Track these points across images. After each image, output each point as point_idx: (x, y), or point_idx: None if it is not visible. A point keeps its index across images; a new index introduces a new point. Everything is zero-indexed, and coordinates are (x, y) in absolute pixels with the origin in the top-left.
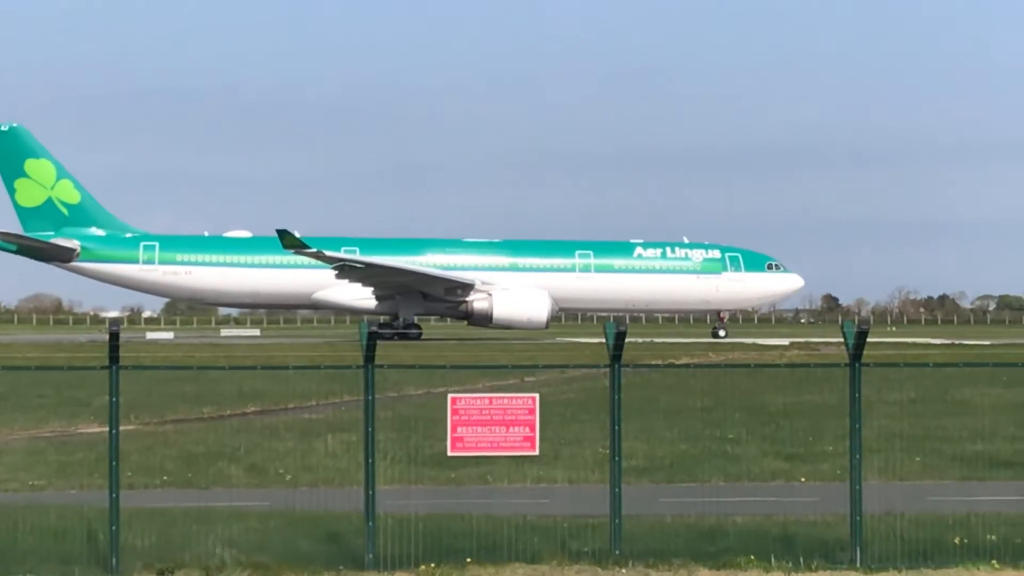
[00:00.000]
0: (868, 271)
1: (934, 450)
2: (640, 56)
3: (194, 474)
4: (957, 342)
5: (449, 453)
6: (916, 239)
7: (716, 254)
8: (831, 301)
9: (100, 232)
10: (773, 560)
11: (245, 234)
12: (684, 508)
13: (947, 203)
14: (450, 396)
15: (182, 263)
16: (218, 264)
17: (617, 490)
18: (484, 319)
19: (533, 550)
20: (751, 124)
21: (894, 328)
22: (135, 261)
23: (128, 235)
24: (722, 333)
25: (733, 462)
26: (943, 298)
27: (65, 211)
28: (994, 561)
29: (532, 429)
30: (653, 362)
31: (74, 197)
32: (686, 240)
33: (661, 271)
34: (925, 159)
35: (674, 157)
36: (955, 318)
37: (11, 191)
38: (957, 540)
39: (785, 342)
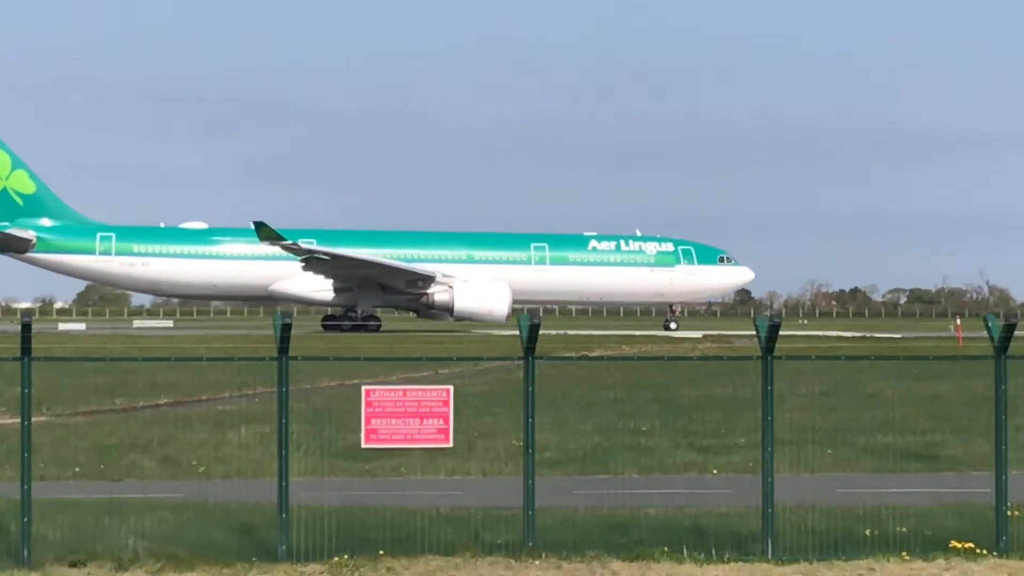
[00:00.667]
0: (780, 264)
1: (845, 442)
2: (589, 51)
3: (106, 466)
4: (868, 335)
5: (363, 445)
6: (828, 233)
7: (669, 247)
8: (744, 294)
9: (56, 223)
10: (685, 552)
11: (201, 225)
12: (597, 500)
13: (859, 197)
14: (364, 388)
15: (139, 254)
16: (175, 255)
17: (530, 482)
18: (445, 311)
19: (447, 542)
20: (671, 118)
21: (806, 321)
22: (92, 252)
23: (84, 226)
24: (673, 326)
25: (646, 454)
26: (855, 291)
27: (20, 201)
28: (904, 553)
29: (446, 421)
30: (567, 354)
31: (29, 187)
32: (639, 233)
33: (616, 264)
34: (838, 153)
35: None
36: (866, 311)
37: None
38: (868, 532)
39: (698, 335)
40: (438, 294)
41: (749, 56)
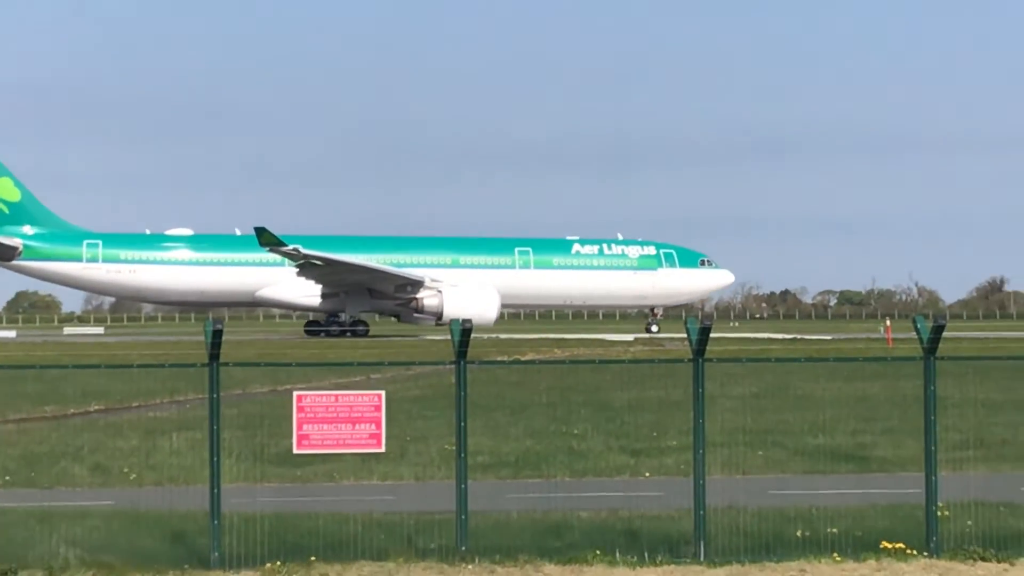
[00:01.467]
0: None
1: (776, 444)
2: (552, 52)
3: (37, 473)
4: (799, 337)
5: (295, 451)
6: (758, 235)
7: (651, 251)
8: None
9: (41, 230)
10: (618, 555)
11: (187, 232)
12: (530, 504)
13: (790, 200)
14: (296, 394)
15: (126, 261)
16: (162, 262)
17: (463, 486)
18: (434, 316)
19: (379, 547)
20: (600, 120)
21: (737, 324)
22: (79, 259)
23: (70, 233)
24: (655, 328)
25: (579, 457)
26: (785, 293)
27: (5, 209)
28: (835, 554)
29: (378, 426)
30: (499, 358)
31: (14, 195)
32: (620, 237)
33: (599, 267)
34: (768, 156)
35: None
36: (797, 313)
37: None
38: (799, 533)
39: (630, 338)
40: (427, 299)
41: (686, 62)
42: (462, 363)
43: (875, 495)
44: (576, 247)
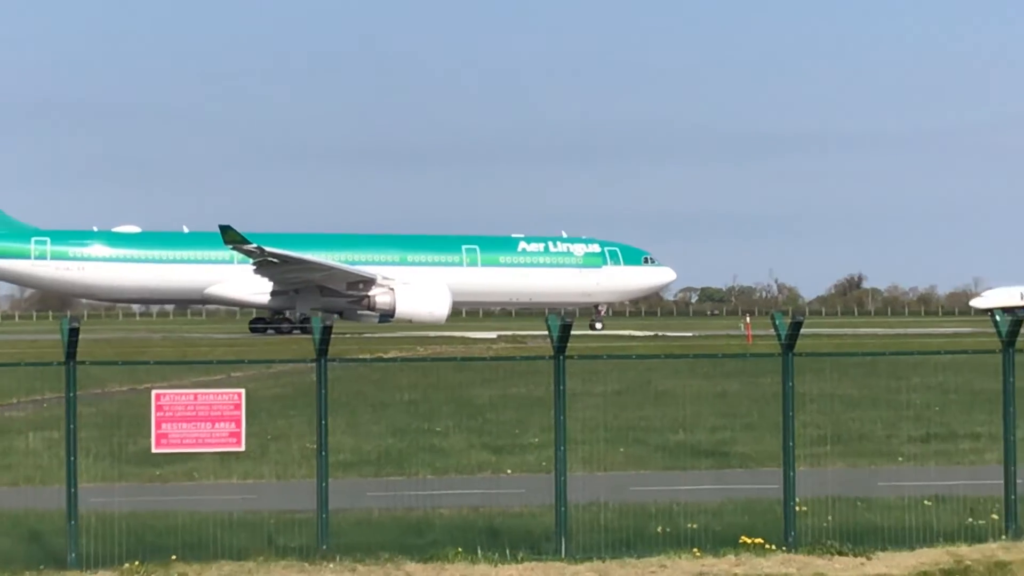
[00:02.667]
0: None
1: (638, 440)
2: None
3: None
4: (660, 334)
5: (153, 450)
6: (619, 232)
7: (596, 248)
8: None
9: None
10: (480, 552)
11: (134, 229)
12: (392, 502)
13: (650, 197)
14: (154, 392)
15: (75, 259)
16: (111, 259)
17: (324, 485)
18: (386, 313)
19: (239, 547)
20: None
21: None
22: (27, 256)
23: (17, 230)
24: (599, 326)
25: (440, 455)
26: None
27: None
28: (695, 549)
29: (238, 425)
30: (361, 356)
31: None
32: (564, 234)
33: (545, 265)
34: (631, 153)
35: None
36: (658, 310)
37: None
38: (660, 529)
39: (492, 335)
40: (379, 296)
41: (552, 62)
42: (323, 361)
43: (734, 490)
44: (522, 245)
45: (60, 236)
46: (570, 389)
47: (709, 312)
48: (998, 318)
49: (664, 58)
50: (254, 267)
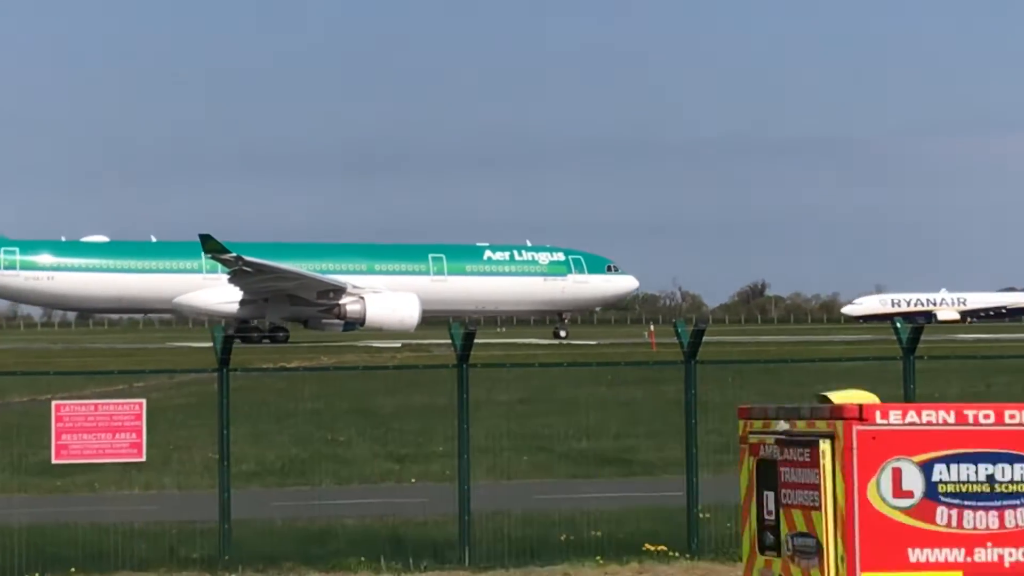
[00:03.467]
0: None
1: (542, 449)
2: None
3: None
4: (564, 342)
5: (54, 461)
6: (524, 241)
7: (560, 257)
8: None
9: None
10: (383, 561)
11: (103, 239)
12: (295, 511)
13: (554, 205)
14: (54, 403)
15: (44, 268)
16: (80, 269)
17: (226, 495)
18: (356, 322)
19: (141, 557)
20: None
21: (503, 329)
22: None
23: None
24: (563, 333)
25: (344, 464)
26: None
27: None
28: (599, 557)
29: (139, 435)
30: (263, 365)
31: None
32: (529, 243)
33: (510, 274)
34: (534, 161)
35: None
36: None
37: None
38: (564, 537)
39: (397, 344)
40: (349, 305)
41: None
42: (225, 371)
43: (638, 498)
44: (488, 253)
45: (29, 246)
46: (474, 398)
47: (612, 320)
48: (899, 325)
49: (564, 65)
50: (228, 276)
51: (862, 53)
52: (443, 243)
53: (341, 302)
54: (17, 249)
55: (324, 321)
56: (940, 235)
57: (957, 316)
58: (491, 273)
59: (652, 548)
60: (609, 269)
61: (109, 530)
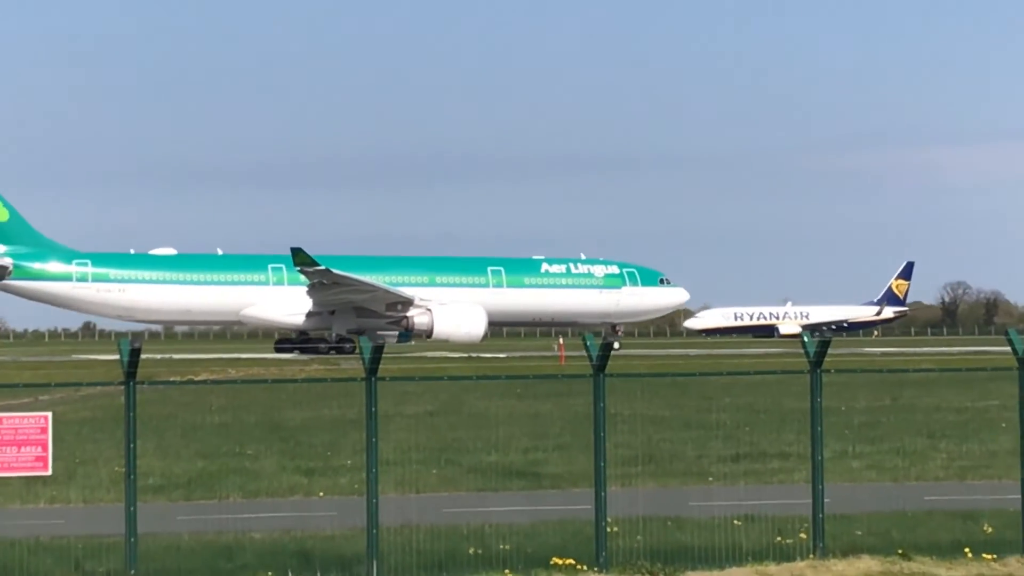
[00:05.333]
0: None
1: (450, 462)
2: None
3: None
4: (474, 355)
5: None
6: (429, 254)
7: (615, 270)
8: None
9: (30, 250)
10: (290, 575)
11: (171, 251)
12: (202, 525)
13: (433, 220)
14: None
15: (115, 280)
16: (150, 281)
17: (133, 509)
18: (423, 334)
19: (46, 572)
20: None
21: (414, 342)
22: (68, 279)
23: (59, 252)
24: (616, 345)
25: (252, 478)
26: None
27: None
28: (507, 571)
29: (44, 449)
30: (172, 378)
31: (2, 215)
32: (583, 256)
33: (567, 286)
34: (402, 177)
35: None
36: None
37: None
38: (472, 550)
39: (305, 357)
40: (417, 317)
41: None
42: (131, 384)
43: (547, 511)
44: (545, 266)
45: (101, 259)
46: (383, 411)
47: (522, 333)
48: (806, 339)
49: (448, 80)
50: (307, 288)
51: (753, 70)
52: (499, 256)
53: (409, 314)
54: (89, 261)
55: (379, 332)
56: (786, 249)
57: (799, 330)
58: (549, 286)
59: (560, 562)
60: (662, 282)
61: (14, 544)
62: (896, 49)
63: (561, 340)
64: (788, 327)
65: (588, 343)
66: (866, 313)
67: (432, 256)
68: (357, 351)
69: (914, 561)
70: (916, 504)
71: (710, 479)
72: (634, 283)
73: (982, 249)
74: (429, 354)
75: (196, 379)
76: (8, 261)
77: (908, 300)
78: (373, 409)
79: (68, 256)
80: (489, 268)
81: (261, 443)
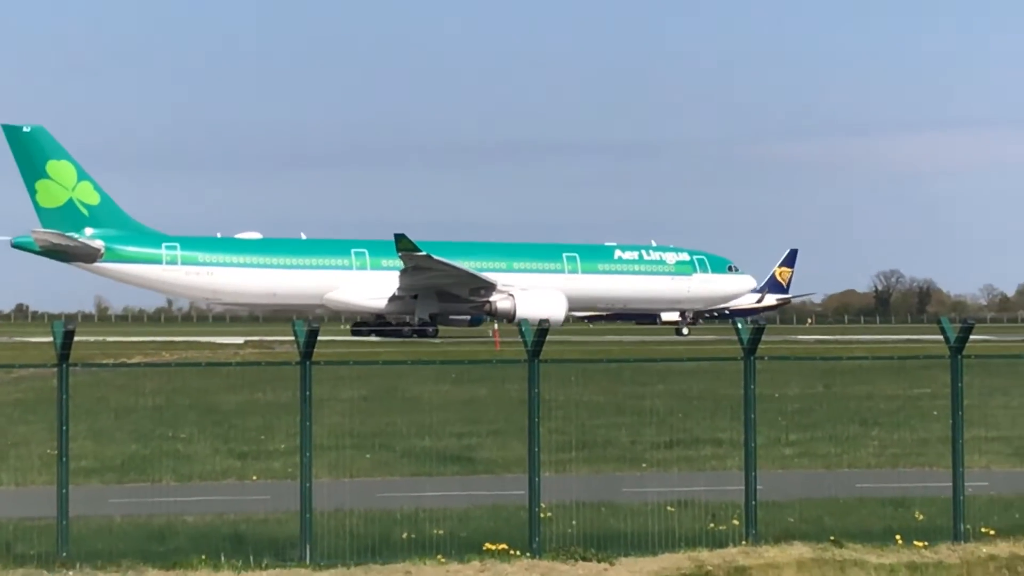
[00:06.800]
0: None
1: (384, 446)
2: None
3: None
4: (409, 340)
5: None
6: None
7: (685, 257)
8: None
9: (120, 233)
10: (223, 559)
11: (256, 235)
12: (134, 508)
13: (373, 206)
14: None
15: (204, 263)
16: (237, 265)
17: (64, 491)
18: (506, 318)
19: None
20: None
21: (348, 327)
22: (158, 262)
23: (148, 236)
24: (685, 331)
25: (185, 461)
26: None
27: (85, 212)
28: (440, 555)
29: None
30: (105, 361)
31: (94, 198)
32: (654, 243)
33: (640, 273)
34: (366, 163)
35: None
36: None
37: (32, 192)
38: (405, 535)
39: (240, 340)
40: (500, 301)
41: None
42: (64, 366)
43: (480, 497)
44: (617, 253)
45: (189, 242)
46: (317, 395)
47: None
48: (740, 326)
49: (355, 62)
50: (401, 272)
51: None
52: (573, 243)
53: (491, 299)
54: (178, 245)
55: (451, 317)
56: (708, 237)
57: (678, 316)
58: (622, 272)
59: (493, 547)
60: (730, 269)
61: None
62: (833, 36)
63: (496, 325)
64: (669, 313)
65: (523, 329)
66: (747, 301)
67: (509, 242)
68: (436, 334)
69: (846, 548)
70: (848, 491)
71: (644, 465)
72: (704, 270)
73: (916, 238)
74: (362, 339)
75: (130, 362)
76: (100, 243)
77: (792, 289)
78: (307, 393)
79: (157, 240)
80: (564, 254)
81: (195, 427)
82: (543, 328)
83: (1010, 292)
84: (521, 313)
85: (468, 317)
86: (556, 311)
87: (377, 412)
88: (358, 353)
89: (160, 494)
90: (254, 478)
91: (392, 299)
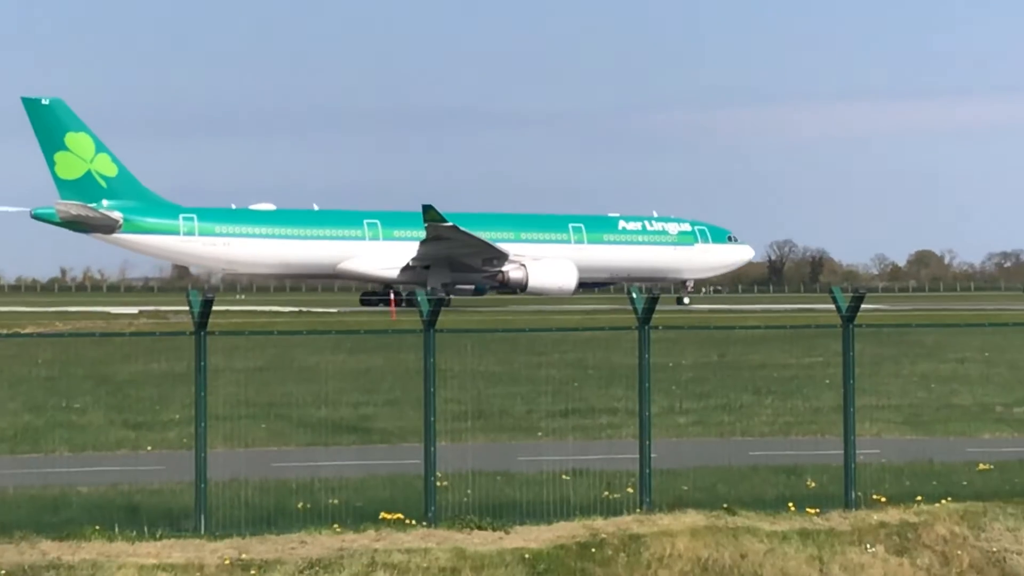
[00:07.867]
0: None
1: (280, 416)
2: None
3: None
4: (304, 310)
5: None
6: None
7: (687, 227)
8: (182, 270)
9: (138, 204)
10: (117, 529)
11: (270, 207)
12: (27, 479)
13: (305, 172)
14: None
15: (220, 235)
16: (253, 236)
17: None
18: (518, 287)
19: None
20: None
21: (243, 296)
22: (176, 232)
23: (166, 207)
24: (686, 300)
25: (79, 432)
26: None
27: (104, 184)
28: (336, 525)
29: None
30: None
31: (112, 170)
32: (655, 214)
33: (643, 243)
34: (293, 130)
35: None
36: (303, 286)
37: (51, 163)
38: (301, 505)
39: (134, 310)
40: (512, 272)
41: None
42: None
43: (376, 466)
44: (622, 223)
45: (205, 213)
46: (212, 365)
47: (353, 288)
48: (634, 296)
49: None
50: (421, 242)
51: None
52: (577, 214)
53: (504, 269)
54: (195, 216)
55: (458, 286)
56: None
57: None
58: (627, 242)
59: (389, 516)
60: (730, 239)
61: None
62: (740, 7)
63: (392, 295)
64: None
65: (420, 298)
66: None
67: (517, 213)
68: (449, 303)
69: (739, 515)
70: (741, 459)
71: (539, 434)
72: (705, 240)
73: (808, 207)
74: (259, 308)
75: (22, 332)
76: (119, 215)
77: None
78: (202, 363)
79: (174, 211)
80: (571, 224)
81: (88, 397)
82: (439, 298)
83: (901, 262)
84: (533, 283)
85: (473, 287)
86: (567, 281)
87: (273, 382)
88: (253, 324)
89: (53, 464)
90: (148, 448)
91: (404, 269)
